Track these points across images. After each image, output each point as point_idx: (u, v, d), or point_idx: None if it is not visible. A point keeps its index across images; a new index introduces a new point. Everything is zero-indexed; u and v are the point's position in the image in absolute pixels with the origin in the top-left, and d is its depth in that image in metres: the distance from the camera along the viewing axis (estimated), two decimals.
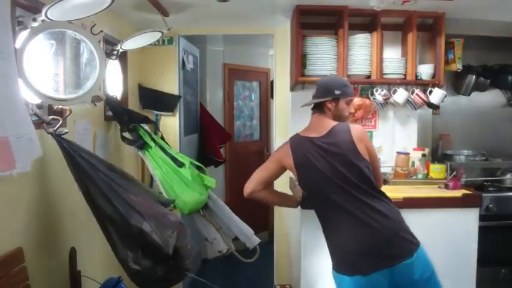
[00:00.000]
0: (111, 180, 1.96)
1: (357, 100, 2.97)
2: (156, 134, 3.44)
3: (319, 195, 2.07)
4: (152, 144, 2.75)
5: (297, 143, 2.13)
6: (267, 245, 4.46)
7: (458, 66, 3.00)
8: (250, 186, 2.20)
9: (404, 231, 1.98)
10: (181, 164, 2.73)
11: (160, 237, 1.91)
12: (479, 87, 3.42)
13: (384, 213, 1.97)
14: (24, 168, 1.60)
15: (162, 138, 2.99)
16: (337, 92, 2.12)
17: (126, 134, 2.76)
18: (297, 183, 2.70)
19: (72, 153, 1.90)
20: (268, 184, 2.27)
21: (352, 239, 1.95)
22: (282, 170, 2.21)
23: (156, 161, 2.73)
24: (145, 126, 2.87)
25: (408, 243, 1.96)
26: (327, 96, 2.13)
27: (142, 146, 2.74)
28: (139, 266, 1.91)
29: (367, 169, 2.03)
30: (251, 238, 2.98)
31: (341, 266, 1.99)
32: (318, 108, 2.17)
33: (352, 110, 2.89)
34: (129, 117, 2.76)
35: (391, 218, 1.98)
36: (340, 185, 1.99)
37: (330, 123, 2.11)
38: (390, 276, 1.90)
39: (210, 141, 4.27)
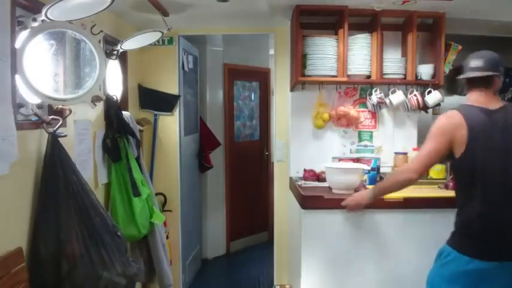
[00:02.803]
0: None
1: (342, 109, 3.01)
2: (154, 136, 3.46)
3: (479, 174, 1.85)
4: (124, 161, 2.66)
5: (470, 112, 1.89)
6: (267, 245, 4.47)
7: (444, 69, 2.98)
8: (420, 172, 2.02)
9: None
10: (137, 194, 2.64)
11: None
12: None
13: None
14: (3, 171, 1.57)
15: (137, 159, 2.86)
16: (501, 69, 1.95)
17: (108, 141, 2.67)
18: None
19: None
20: None
21: (496, 219, 1.83)
22: (448, 146, 1.93)
23: (117, 178, 2.64)
24: (131, 141, 2.80)
25: None
26: (497, 71, 1.94)
27: (116, 159, 2.65)
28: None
29: None
30: None
31: (470, 245, 1.86)
32: (484, 82, 1.95)
33: None
34: (118, 126, 2.68)
35: None
36: (507, 165, 1.83)
37: (498, 100, 1.95)
38: (510, 270, 1.80)
39: (202, 148, 4.32)
